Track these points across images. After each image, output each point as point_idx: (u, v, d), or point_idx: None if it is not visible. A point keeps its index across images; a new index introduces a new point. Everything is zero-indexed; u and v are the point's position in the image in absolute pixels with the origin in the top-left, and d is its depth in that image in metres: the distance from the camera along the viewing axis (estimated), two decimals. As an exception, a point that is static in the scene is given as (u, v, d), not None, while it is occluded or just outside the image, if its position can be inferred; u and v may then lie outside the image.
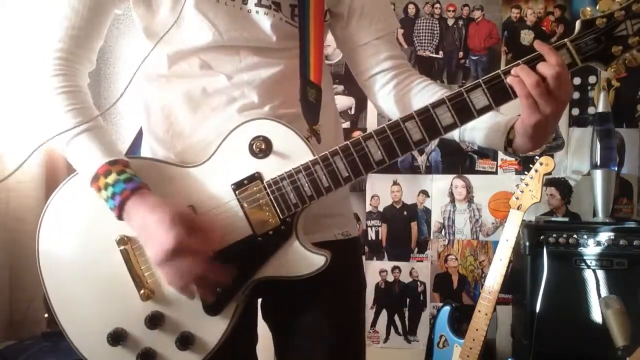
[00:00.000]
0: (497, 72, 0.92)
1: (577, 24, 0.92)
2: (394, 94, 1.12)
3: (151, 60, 1.04)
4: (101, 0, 1.02)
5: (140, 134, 1.14)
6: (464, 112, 0.92)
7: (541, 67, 0.89)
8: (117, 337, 0.98)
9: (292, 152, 0.96)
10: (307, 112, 1.03)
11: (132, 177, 0.95)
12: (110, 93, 2.48)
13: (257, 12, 1.03)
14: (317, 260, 0.96)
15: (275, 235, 0.96)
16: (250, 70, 1.03)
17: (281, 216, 0.96)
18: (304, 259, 0.97)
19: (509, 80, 0.90)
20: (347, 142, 0.95)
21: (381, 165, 0.95)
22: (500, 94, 0.92)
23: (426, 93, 1.09)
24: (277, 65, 1.04)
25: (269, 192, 0.96)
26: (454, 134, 1.04)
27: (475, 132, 1.04)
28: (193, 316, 0.98)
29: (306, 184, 0.95)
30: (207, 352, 0.99)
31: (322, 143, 1.03)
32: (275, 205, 0.96)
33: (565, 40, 0.91)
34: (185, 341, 0.98)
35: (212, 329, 0.98)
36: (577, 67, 0.92)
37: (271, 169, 0.96)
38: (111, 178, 0.94)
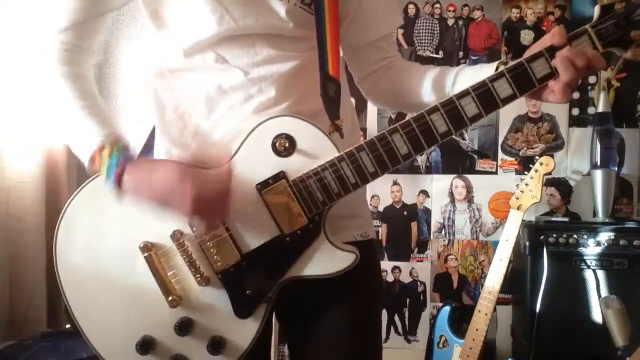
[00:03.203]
0: (520, 60, 0.93)
1: (596, 9, 0.92)
2: (384, 84, 1.15)
3: (164, 54, 1.02)
4: None
5: (152, 135, 1.11)
6: (489, 102, 0.92)
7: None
8: (146, 346, 0.97)
9: (317, 149, 0.95)
10: (329, 107, 1.02)
11: (110, 165, 0.91)
12: (110, 93, 2.48)
13: None
14: (346, 258, 0.96)
15: (303, 235, 0.95)
16: (267, 64, 1.00)
17: (309, 215, 0.94)
18: (333, 257, 0.96)
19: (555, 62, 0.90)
20: (373, 137, 0.94)
21: (407, 159, 0.94)
22: (524, 83, 0.92)
23: (407, 70, 1.13)
24: (294, 58, 1.02)
25: (295, 190, 0.94)
26: (447, 84, 1.05)
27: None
28: (223, 320, 0.97)
29: (333, 181, 0.94)
30: (239, 355, 0.98)
31: (345, 138, 1.01)
32: (302, 203, 0.94)
33: (586, 26, 0.91)
34: (217, 346, 0.97)
35: (244, 332, 0.97)
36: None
37: (296, 167, 0.95)
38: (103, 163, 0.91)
